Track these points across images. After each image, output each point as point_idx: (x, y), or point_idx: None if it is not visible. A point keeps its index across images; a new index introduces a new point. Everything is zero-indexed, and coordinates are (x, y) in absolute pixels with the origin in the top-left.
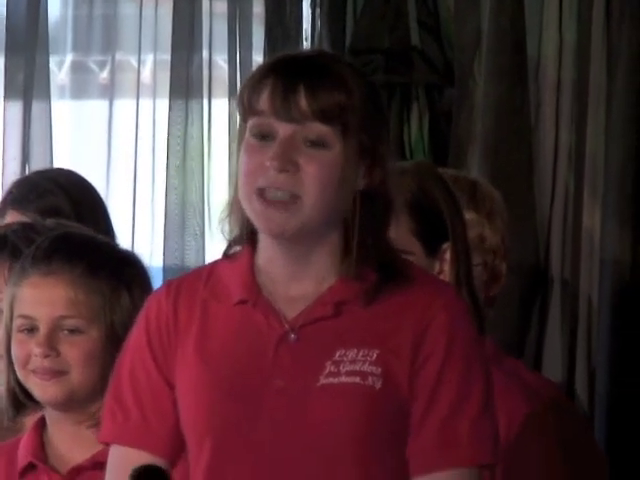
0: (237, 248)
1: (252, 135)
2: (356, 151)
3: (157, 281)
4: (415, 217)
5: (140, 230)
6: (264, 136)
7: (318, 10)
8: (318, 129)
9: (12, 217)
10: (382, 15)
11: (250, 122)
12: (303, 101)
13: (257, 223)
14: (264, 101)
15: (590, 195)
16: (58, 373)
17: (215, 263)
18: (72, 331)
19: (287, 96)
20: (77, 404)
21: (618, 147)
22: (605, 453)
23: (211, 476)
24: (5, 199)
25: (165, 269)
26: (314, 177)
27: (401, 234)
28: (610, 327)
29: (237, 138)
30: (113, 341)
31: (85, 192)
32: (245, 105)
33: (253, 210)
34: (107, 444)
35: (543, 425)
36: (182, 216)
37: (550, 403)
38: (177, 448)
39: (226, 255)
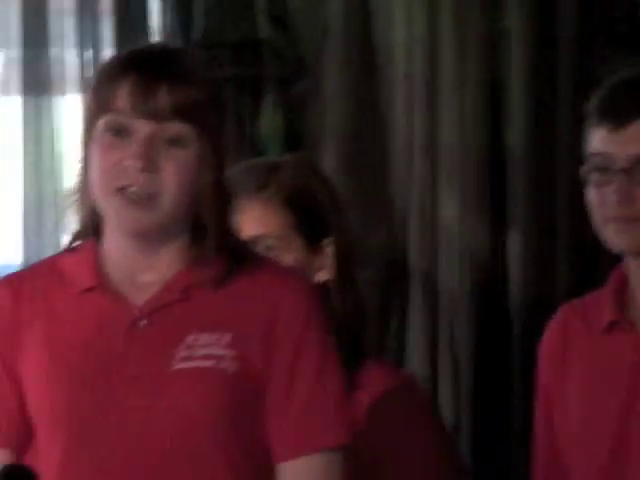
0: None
1: (107, 131)
2: (210, 148)
3: None
4: (294, 211)
5: None
6: (119, 132)
7: (166, 4)
8: (177, 128)
9: None
10: (230, 8)
11: (104, 118)
12: (164, 99)
13: (115, 220)
14: (122, 98)
15: (446, 185)
16: None
17: (54, 257)
18: None
19: (147, 94)
20: None
21: (472, 135)
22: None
23: (66, 466)
24: None
25: (25, 266)
26: (173, 177)
27: (280, 228)
28: (471, 318)
29: (84, 129)
30: None
31: None
32: (101, 102)
33: (111, 207)
34: None
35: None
36: (39, 214)
37: None
38: (23, 439)
39: (68, 249)
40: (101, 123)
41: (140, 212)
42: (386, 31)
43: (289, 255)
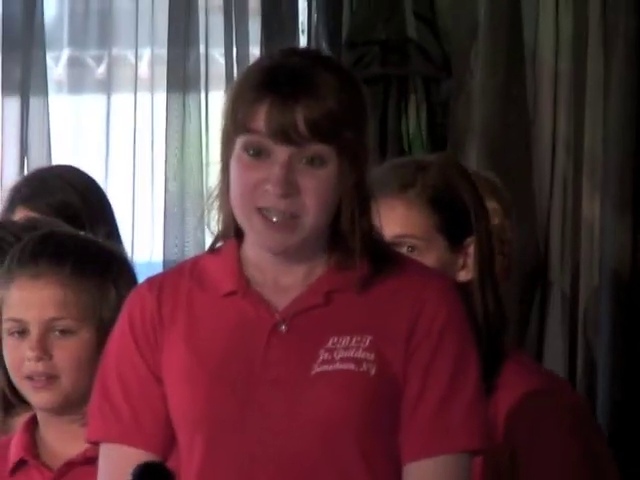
0: (220, 243)
1: (245, 152)
2: (349, 162)
3: None
4: (438, 211)
5: (140, 225)
6: (258, 153)
7: (314, 3)
8: (316, 149)
9: (21, 213)
10: (378, 7)
11: (242, 138)
12: (301, 124)
13: (257, 240)
14: (259, 122)
15: (589, 186)
16: (52, 378)
17: (197, 258)
18: (63, 332)
19: (284, 120)
20: (71, 406)
21: (617, 138)
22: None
23: (205, 470)
24: (13, 196)
25: (165, 263)
26: (313, 198)
27: (424, 228)
28: (611, 321)
29: (223, 144)
30: (103, 339)
31: (91, 188)
32: (238, 121)
33: (253, 227)
34: (96, 443)
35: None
36: (181, 210)
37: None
38: (168, 442)
39: (210, 250)
40: (239, 142)
41: (281, 234)
42: (533, 30)
43: (431, 255)
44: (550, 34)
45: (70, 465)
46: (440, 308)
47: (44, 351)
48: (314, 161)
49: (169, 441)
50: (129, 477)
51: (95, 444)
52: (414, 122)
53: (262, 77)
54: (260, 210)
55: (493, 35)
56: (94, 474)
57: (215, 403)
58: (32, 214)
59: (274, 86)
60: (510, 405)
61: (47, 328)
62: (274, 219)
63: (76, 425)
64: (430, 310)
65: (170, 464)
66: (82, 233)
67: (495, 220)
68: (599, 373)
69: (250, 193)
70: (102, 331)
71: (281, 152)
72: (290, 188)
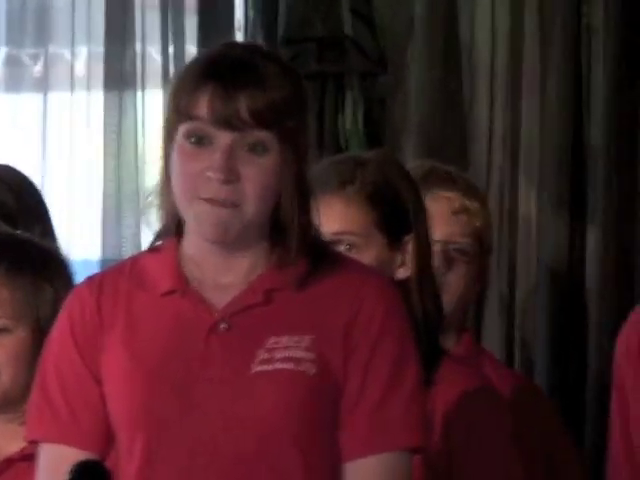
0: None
1: (186, 139)
2: (290, 151)
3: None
4: (377, 208)
5: (77, 223)
6: (200, 140)
7: (250, 0)
8: (258, 135)
9: None
10: (315, 4)
11: (184, 126)
12: (243, 110)
13: (199, 228)
14: (202, 108)
15: (526, 181)
16: None
17: (136, 257)
18: None
19: (227, 105)
20: (9, 404)
21: (553, 132)
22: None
23: (145, 470)
24: None
25: (103, 261)
26: (255, 186)
27: (363, 225)
28: (547, 315)
29: (164, 135)
30: (40, 338)
31: (26, 187)
32: (180, 109)
33: (195, 215)
34: (35, 442)
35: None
36: (119, 208)
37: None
38: (107, 442)
39: (150, 248)
40: (181, 130)
41: (222, 220)
42: (470, 25)
43: (370, 252)
44: (486, 28)
45: (9, 462)
46: (378, 305)
47: None
48: (256, 148)
49: (107, 440)
50: (67, 476)
51: (34, 443)
52: (351, 119)
53: (205, 66)
54: (202, 200)
55: (429, 30)
56: (33, 471)
57: (154, 402)
58: None
59: (217, 74)
60: (448, 401)
61: None
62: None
63: (15, 424)
64: (368, 308)
65: (108, 463)
66: (18, 232)
67: (478, 221)
68: (535, 373)
69: (192, 182)
70: (39, 329)
71: (223, 138)
72: (231, 174)
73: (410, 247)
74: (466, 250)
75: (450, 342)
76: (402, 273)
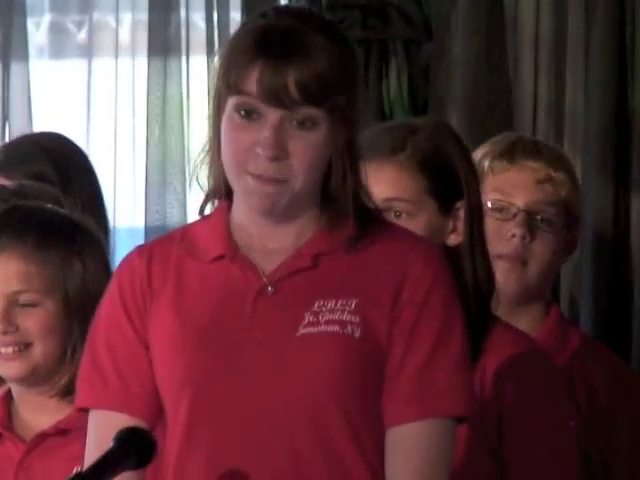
0: (209, 208)
1: (236, 112)
2: (340, 124)
3: (140, 241)
4: (429, 175)
5: (122, 190)
6: (249, 114)
7: None
8: (306, 111)
9: None
10: None
11: (234, 99)
12: (292, 87)
13: (247, 200)
14: (252, 84)
15: (570, 149)
16: (19, 349)
17: (188, 225)
18: (28, 305)
19: (276, 82)
20: (41, 376)
21: (597, 100)
22: None
23: (190, 430)
24: None
25: (147, 228)
26: (303, 162)
27: (414, 192)
28: (593, 277)
29: (214, 104)
30: (69, 310)
31: (71, 156)
32: (230, 83)
33: (244, 187)
34: (85, 409)
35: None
36: (163, 175)
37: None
38: (157, 410)
39: (200, 215)
40: (231, 103)
41: (270, 194)
42: None
43: (421, 218)
44: None
45: (42, 437)
46: (425, 273)
47: (9, 323)
48: (305, 124)
49: (157, 409)
50: (112, 441)
51: (84, 411)
52: (395, 86)
53: (254, 38)
54: (250, 174)
55: None
56: (66, 445)
57: (201, 364)
58: (7, 182)
59: (266, 48)
60: (498, 368)
61: (11, 301)
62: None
63: (46, 396)
64: (415, 275)
65: (157, 434)
66: (48, 206)
67: (563, 192)
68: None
69: (241, 155)
70: (67, 302)
71: (272, 114)
72: (280, 151)
73: (462, 213)
74: (551, 220)
75: (536, 313)
76: (454, 239)
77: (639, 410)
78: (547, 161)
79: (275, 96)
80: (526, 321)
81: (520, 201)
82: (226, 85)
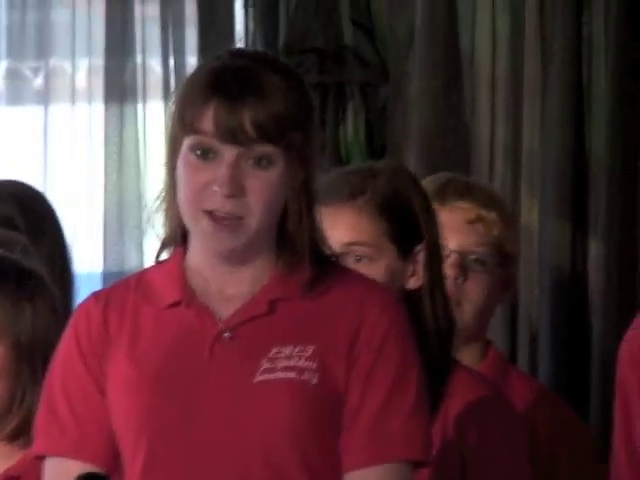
0: (166, 254)
1: (192, 153)
2: (296, 163)
3: (97, 286)
4: (389, 219)
5: (79, 237)
6: (205, 153)
7: (251, 10)
8: (262, 149)
9: None
10: (315, 14)
11: (190, 139)
12: (247, 125)
13: (203, 242)
14: (207, 122)
15: (528, 192)
16: None
17: (144, 270)
18: None
19: (232, 120)
20: None
21: (555, 141)
22: None
23: (147, 475)
24: None
25: (105, 274)
26: (260, 200)
27: (374, 236)
28: (550, 323)
29: (169, 146)
30: (19, 355)
31: (37, 203)
32: (185, 122)
33: (201, 230)
34: (42, 457)
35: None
36: (120, 221)
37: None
38: (114, 457)
39: (157, 262)
40: (186, 143)
41: (227, 235)
42: (470, 35)
43: (381, 262)
44: (487, 38)
45: None
46: (382, 318)
47: None
48: (261, 162)
49: (115, 456)
50: None
51: (41, 458)
52: (352, 129)
53: (210, 78)
54: (207, 213)
55: (430, 40)
56: None
57: (158, 410)
58: None
59: (221, 87)
60: (460, 410)
61: None
62: (221, 220)
63: None
64: (372, 320)
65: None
66: (0, 251)
67: (495, 231)
68: (539, 378)
69: (197, 195)
70: (18, 347)
71: (228, 152)
72: (236, 189)
73: (421, 257)
74: (484, 260)
75: (474, 353)
76: (413, 283)
77: (579, 447)
78: (478, 201)
79: (231, 134)
80: (465, 361)
81: (452, 243)
82: (181, 125)
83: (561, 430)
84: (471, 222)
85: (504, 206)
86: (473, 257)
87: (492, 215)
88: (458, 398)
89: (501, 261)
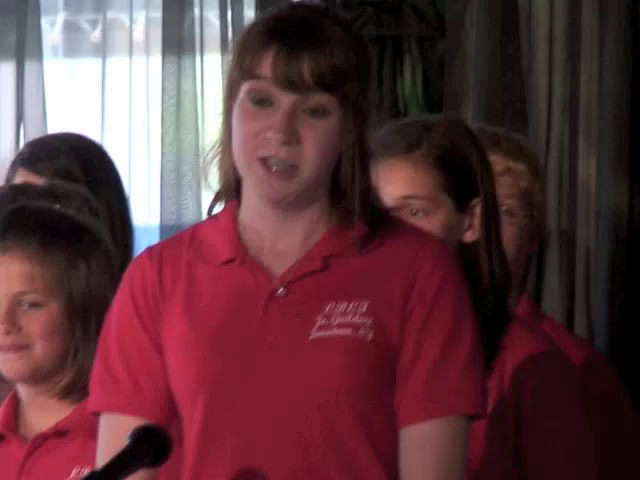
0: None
1: (249, 99)
2: (351, 116)
3: (155, 239)
4: (445, 172)
5: (137, 189)
6: (261, 101)
7: None
8: (319, 98)
9: (22, 176)
10: None
11: (247, 84)
12: (306, 73)
13: (256, 188)
14: (266, 68)
15: (585, 144)
16: (21, 348)
17: (197, 225)
18: (32, 305)
19: (291, 67)
20: (42, 376)
21: (612, 96)
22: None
23: (205, 433)
24: (15, 158)
25: (162, 227)
26: (314, 148)
27: (430, 189)
28: (608, 277)
29: (227, 92)
30: (72, 312)
31: (96, 155)
32: (244, 67)
33: (254, 175)
34: (98, 413)
35: (571, 390)
36: (178, 174)
37: (585, 366)
38: (169, 413)
39: (210, 216)
40: (244, 88)
41: (280, 182)
42: None
43: (438, 215)
44: None
45: (42, 438)
46: (435, 271)
47: (12, 324)
48: (317, 111)
49: (170, 411)
50: (128, 440)
51: (97, 414)
52: (409, 83)
53: (270, 25)
54: (261, 160)
55: None
56: (65, 446)
57: (214, 369)
58: (32, 178)
59: (282, 34)
60: (517, 366)
61: (15, 302)
62: (274, 168)
63: (46, 396)
64: (425, 274)
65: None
66: (55, 206)
67: (523, 182)
68: (596, 334)
69: (252, 141)
70: (71, 304)
71: (285, 99)
72: (291, 136)
73: (477, 211)
74: (513, 212)
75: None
76: (470, 236)
77: (612, 393)
78: (505, 152)
79: (289, 81)
80: None
81: None
82: (239, 70)
83: (593, 375)
84: (500, 174)
85: (533, 157)
86: (503, 209)
87: (519, 166)
88: (514, 352)
89: (530, 212)
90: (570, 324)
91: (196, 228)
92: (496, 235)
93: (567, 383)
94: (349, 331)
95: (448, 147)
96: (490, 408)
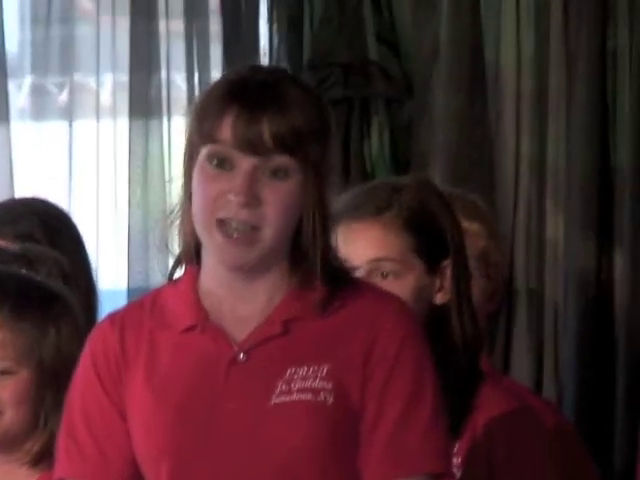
0: (180, 272)
1: (209, 162)
2: (312, 178)
3: (123, 303)
4: (415, 234)
5: (104, 252)
6: (222, 164)
7: (275, 26)
8: (280, 160)
9: None
10: (339, 29)
11: (207, 148)
12: (266, 135)
13: (216, 254)
14: (226, 131)
15: (553, 204)
16: None
17: (158, 290)
18: (2, 373)
19: (250, 130)
20: (10, 443)
21: (579, 155)
22: None
23: None
24: None
25: (130, 291)
26: (276, 210)
27: (401, 251)
28: (577, 335)
29: (186, 156)
30: (43, 378)
31: (59, 220)
32: (203, 132)
33: (213, 241)
34: None
35: (542, 446)
36: (145, 237)
37: (553, 430)
38: (135, 478)
39: (170, 281)
40: (204, 152)
41: (240, 248)
42: (495, 49)
43: (409, 278)
44: (512, 52)
45: None
46: (396, 332)
47: None
48: (278, 173)
49: (135, 477)
50: None
51: None
52: (377, 144)
53: (229, 88)
54: (221, 223)
55: (454, 55)
56: None
57: (178, 436)
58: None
59: (241, 96)
60: (488, 424)
61: None
62: (234, 235)
63: (14, 464)
64: (386, 335)
65: None
66: (24, 272)
67: (479, 242)
68: (565, 396)
69: (212, 204)
70: (41, 371)
71: (245, 162)
72: (252, 198)
73: (448, 272)
74: (471, 273)
75: None
76: (440, 298)
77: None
78: (461, 212)
79: (249, 143)
80: None
81: None
82: (199, 135)
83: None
84: None
85: (487, 216)
86: None
87: (475, 227)
88: (486, 411)
89: (487, 272)
90: (539, 381)
91: (157, 293)
92: (467, 295)
93: (538, 439)
94: (309, 396)
95: (418, 209)
96: (461, 469)
